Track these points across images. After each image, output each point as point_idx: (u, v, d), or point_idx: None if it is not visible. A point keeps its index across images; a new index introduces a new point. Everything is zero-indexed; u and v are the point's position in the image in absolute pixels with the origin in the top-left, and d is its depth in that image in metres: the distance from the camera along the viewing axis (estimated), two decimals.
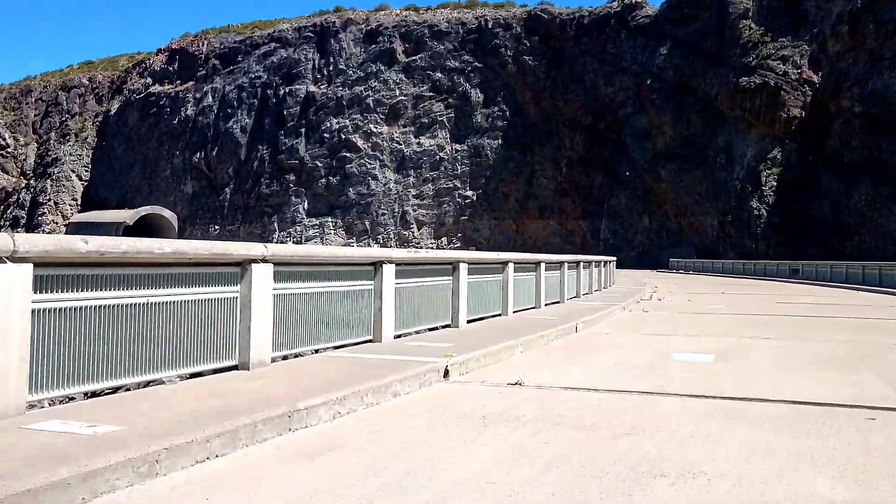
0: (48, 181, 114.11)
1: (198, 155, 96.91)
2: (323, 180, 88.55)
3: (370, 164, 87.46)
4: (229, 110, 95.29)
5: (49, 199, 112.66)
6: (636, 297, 20.73)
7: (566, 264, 18.63)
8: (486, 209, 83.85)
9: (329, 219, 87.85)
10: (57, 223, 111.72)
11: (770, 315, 16.13)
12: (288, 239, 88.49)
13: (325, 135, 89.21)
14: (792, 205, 56.32)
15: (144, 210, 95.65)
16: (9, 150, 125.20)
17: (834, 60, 56.41)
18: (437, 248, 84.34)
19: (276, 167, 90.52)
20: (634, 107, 71.98)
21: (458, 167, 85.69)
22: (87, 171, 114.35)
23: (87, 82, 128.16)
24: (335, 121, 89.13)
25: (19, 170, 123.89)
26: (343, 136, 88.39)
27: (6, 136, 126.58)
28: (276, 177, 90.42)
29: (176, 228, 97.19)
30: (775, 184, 58.81)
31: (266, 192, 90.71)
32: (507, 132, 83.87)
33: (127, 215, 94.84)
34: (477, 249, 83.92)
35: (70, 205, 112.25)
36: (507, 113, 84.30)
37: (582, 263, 21.15)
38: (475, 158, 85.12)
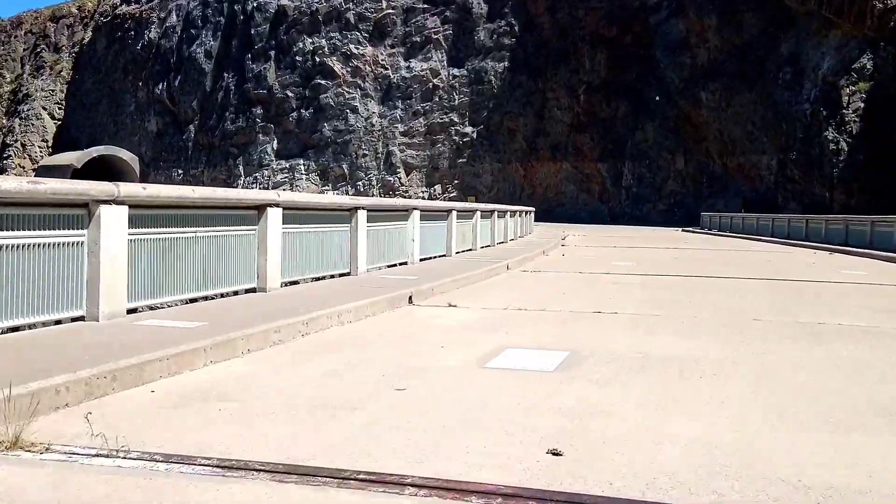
0: (16, 120, 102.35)
1: (160, 86, 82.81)
2: (294, 114, 73.34)
3: (349, 92, 71.71)
4: (193, 31, 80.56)
5: (16, 141, 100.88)
6: None
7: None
8: (489, 150, 67.46)
9: (301, 161, 72.86)
10: (24, 167, 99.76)
11: None
12: (254, 185, 74.06)
13: (297, 58, 73.68)
14: (886, 135, 38.53)
15: (97, 151, 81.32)
16: None
17: None
18: (430, 198, 68.64)
19: (242, 99, 75.70)
20: (670, 9, 53.98)
21: (456, 97, 69.26)
22: (60, 108, 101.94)
23: (77, 11, 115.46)
24: (309, 41, 73.43)
25: (4, 109, 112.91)
26: (318, 60, 72.72)
27: None
28: (242, 111, 75.66)
29: (137, 172, 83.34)
30: (862, 105, 40.89)
31: (231, 129, 76.13)
32: (514, 52, 66.86)
33: (74, 157, 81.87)
34: (476, 200, 68.24)
35: (40, 146, 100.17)
36: (516, 28, 67.12)
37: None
38: (476, 86, 68.49)
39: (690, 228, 41.91)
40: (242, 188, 73.15)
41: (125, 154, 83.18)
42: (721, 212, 44.51)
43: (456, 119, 69.06)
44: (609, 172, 59.43)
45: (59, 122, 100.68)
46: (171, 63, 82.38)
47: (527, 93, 65.50)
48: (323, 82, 72.14)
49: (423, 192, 69.69)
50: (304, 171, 72.56)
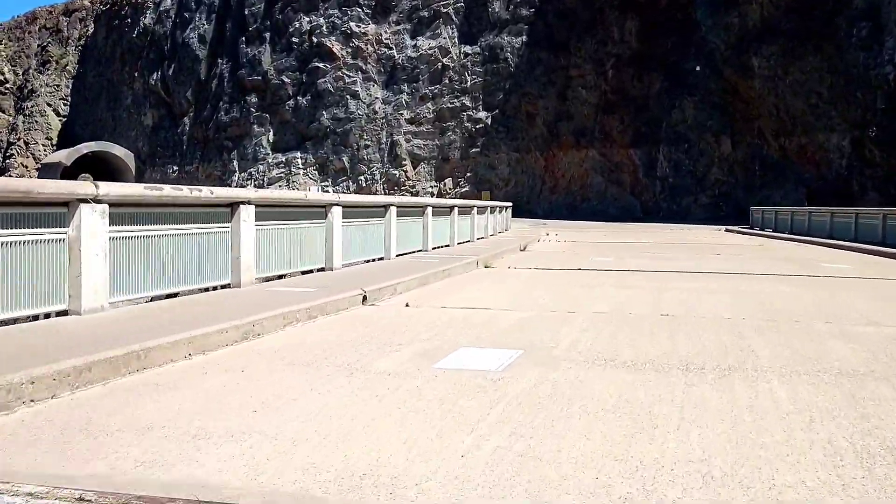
0: (20, 117, 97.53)
1: (155, 76, 76.26)
2: (290, 102, 65.73)
3: (349, 76, 63.72)
4: (187, 14, 73.70)
5: (19, 139, 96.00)
6: None
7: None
8: (505, 137, 58.77)
9: (298, 154, 65.20)
10: (27, 167, 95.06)
11: None
12: (249, 182, 66.78)
13: (293, 39, 66.04)
14: None
15: (87, 148, 76.27)
16: (7, 85, 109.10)
17: None
18: (440, 193, 60.34)
19: (236, 87, 68.44)
20: None
21: (468, 78, 60.72)
22: (66, 104, 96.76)
23: (89, 4, 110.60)
24: (306, 19, 65.70)
25: (14, 106, 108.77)
26: (315, 41, 64.93)
27: (5, 70, 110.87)
28: (236, 100, 68.40)
29: (133, 169, 77.24)
30: None
31: (225, 121, 68.98)
32: (533, 25, 58.06)
33: (64, 156, 76.30)
34: (491, 196, 59.87)
35: (44, 145, 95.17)
36: None
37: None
38: (491, 65, 59.86)
39: (737, 228, 32.45)
40: (238, 186, 66.09)
41: (119, 150, 77.02)
42: (779, 205, 34.92)
43: (468, 103, 60.54)
44: (642, 160, 50.09)
45: (65, 119, 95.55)
46: (164, 50, 75.78)
47: (547, 70, 56.60)
48: (321, 65, 64.35)
49: (431, 186, 61.36)
50: (301, 166, 64.92)
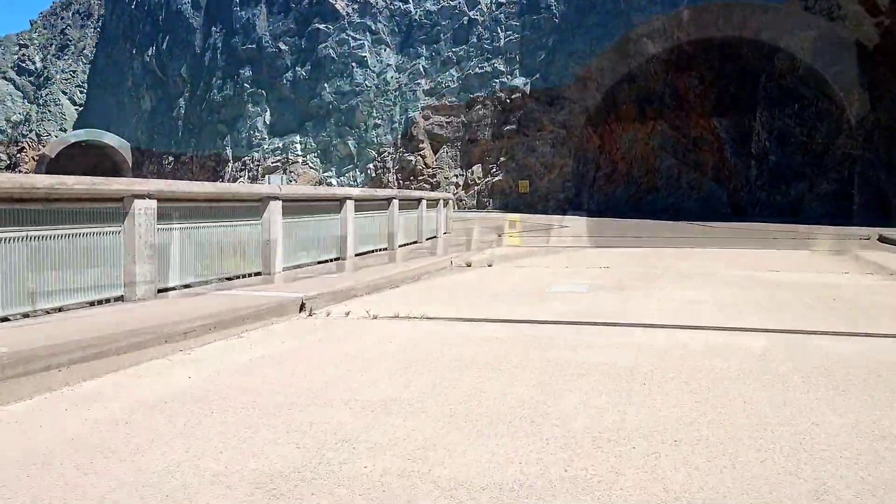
0: (33, 107, 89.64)
1: (149, 51, 65.93)
2: (288, 74, 53.82)
3: (356, 38, 51.25)
4: None
5: (31, 131, 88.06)
6: None
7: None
8: (548, 110, 45.10)
9: (297, 137, 53.22)
10: (37, 160, 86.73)
11: None
12: (243, 172, 55.38)
13: None
14: None
15: (75, 137, 67.39)
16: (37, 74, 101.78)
17: None
18: (466, 183, 47.30)
19: (230, 58, 57.08)
20: None
21: (502, 35, 47.39)
22: (82, 91, 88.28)
23: None
24: None
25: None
26: None
27: (37, 59, 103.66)
28: (230, 73, 57.05)
29: (129, 159, 67.14)
30: None
31: (218, 100, 57.76)
32: None
33: (49, 147, 67.56)
34: (530, 186, 46.77)
35: (57, 136, 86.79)
36: None
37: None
38: (529, 16, 46.41)
39: (866, 241, 17.65)
40: (229, 178, 54.97)
41: (112, 139, 66.11)
42: None
43: (501, 67, 47.19)
44: (730, 133, 35.42)
45: (81, 108, 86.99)
46: (159, 21, 65.28)
47: (602, 20, 42.59)
48: (322, 27, 52.13)
49: (456, 176, 48.29)
50: (300, 152, 52.89)
